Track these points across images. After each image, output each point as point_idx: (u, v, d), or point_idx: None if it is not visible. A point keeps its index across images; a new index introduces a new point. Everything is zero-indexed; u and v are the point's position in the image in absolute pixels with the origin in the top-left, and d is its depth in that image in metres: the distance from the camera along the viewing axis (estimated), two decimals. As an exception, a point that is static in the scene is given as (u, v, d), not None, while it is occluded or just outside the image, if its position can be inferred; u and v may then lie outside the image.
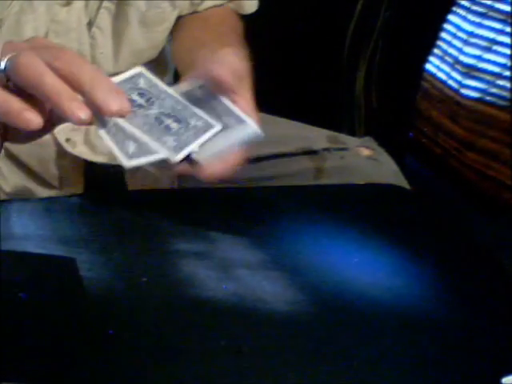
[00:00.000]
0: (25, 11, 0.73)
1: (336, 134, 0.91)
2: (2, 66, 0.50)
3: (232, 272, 0.56)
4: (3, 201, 0.68)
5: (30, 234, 0.60)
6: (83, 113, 0.48)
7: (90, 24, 0.78)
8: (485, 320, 0.54)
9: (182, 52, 0.85)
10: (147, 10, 0.80)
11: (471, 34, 1.55)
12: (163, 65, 0.97)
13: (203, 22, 0.88)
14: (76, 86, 0.49)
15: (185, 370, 0.46)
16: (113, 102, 0.48)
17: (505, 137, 1.47)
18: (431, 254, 0.63)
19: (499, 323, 0.54)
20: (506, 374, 0.47)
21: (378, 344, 0.50)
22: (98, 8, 0.78)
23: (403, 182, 0.84)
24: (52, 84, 0.49)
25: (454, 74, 1.59)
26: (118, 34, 0.80)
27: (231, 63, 0.59)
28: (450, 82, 1.60)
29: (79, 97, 0.49)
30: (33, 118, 0.49)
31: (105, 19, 0.79)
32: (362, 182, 0.81)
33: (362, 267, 0.60)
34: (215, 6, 0.90)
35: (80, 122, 0.49)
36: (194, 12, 0.90)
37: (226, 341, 0.49)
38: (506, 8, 1.47)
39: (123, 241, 0.61)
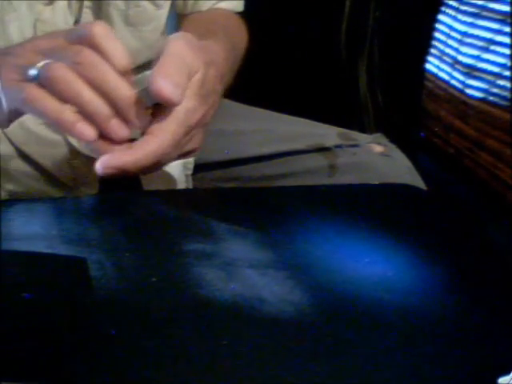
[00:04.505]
0: (6, 10, 0.72)
1: (347, 130, 0.91)
2: (33, 73, 0.55)
3: (241, 272, 0.56)
4: (14, 200, 0.68)
5: (41, 234, 0.60)
6: (123, 131, 0.56)
7: (77, 23, 0.78)
8: (484, 320, 0.54)
9: None
10: (128, 9, 0.79)
11: (465, 34, 1.56)
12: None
13: (196, 23, 0.88)
14: (100, 92, 0.55)
15: (185, 370, 0.45)
16: (133, 115, 0.55)
17: (506, 137, 1.48)
18: (444, 255, 0.63)
19: (498, 323, 0.54)
20: (503, 374, 0.46)
21: (379, 344, 0.50)
22: (81, 7, 0.77)
23: (417, 179, 0.84)
24: (89, 101, 0.55)
25: (456, 74, 1.59)
26: None
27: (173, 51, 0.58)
28: (454, 82, 1.60)
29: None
30: (85, 131, 0.55)
31: (89, 18, 0.78)
32: (376, 179, 0.80)
33: (372, 268, 0.59)
34: (213, 5, 0.91)
35: (120, 140, 0.56)
36: (194, 12, 0.90)
37: (228, 341, 0.48)
38: (504, 8, 1.47)
39: (135, 240, 0.60)
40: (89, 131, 0.55)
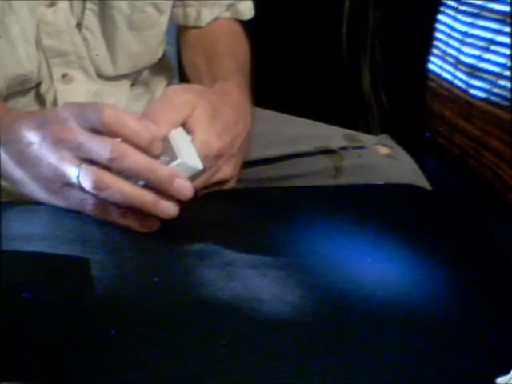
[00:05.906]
0: (6, 12, 0.72)
1: (352, 132, 0.90)
2: (74, 177, 0.58)
3: (242, 273, 0.56)
4: (15, 201, 0.67)
5: (43, 234, 0.60)
6: (172, 210, 0.58)
7: (79, 25, 0.78)
8: (483, 320, 0.54)
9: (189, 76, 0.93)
10: (132, 14, 0.80)
11: (466, 34, 1.56)
12: (168, 69, 0.96)
13: (203, 46, 0.90)
14: (139, 178, 0.58)
15: (183, 369, 0.45)
16: (175, 190, 0.57)
17: (508, 137, 1.47)
18: (447, 255, 0.63)
19: (497, 323, 0.53)
20: (502, 373, 0.46)
21: (379, 344, 0.49)
22: (83, 9, 0.77)
23: (423, 181, 0.83)
24: (133, 195, 0.58)
25: (459, 74, 1.59)
26: (108, 37, 0.80)
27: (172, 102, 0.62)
28: (457, 82, 1.60)
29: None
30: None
31: (92, 21, 0.78)
32: (381, 181, 0.79)
33: (376, 267, 0.59)
34: (215, 19, 0.91)
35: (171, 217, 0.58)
36: (197, 27, 0.91)
37: (227, 340, 0.48)
38: (504, 8, 1.47)
39: (137, 241, 0.60)
40: (148, 227, 0.60)
